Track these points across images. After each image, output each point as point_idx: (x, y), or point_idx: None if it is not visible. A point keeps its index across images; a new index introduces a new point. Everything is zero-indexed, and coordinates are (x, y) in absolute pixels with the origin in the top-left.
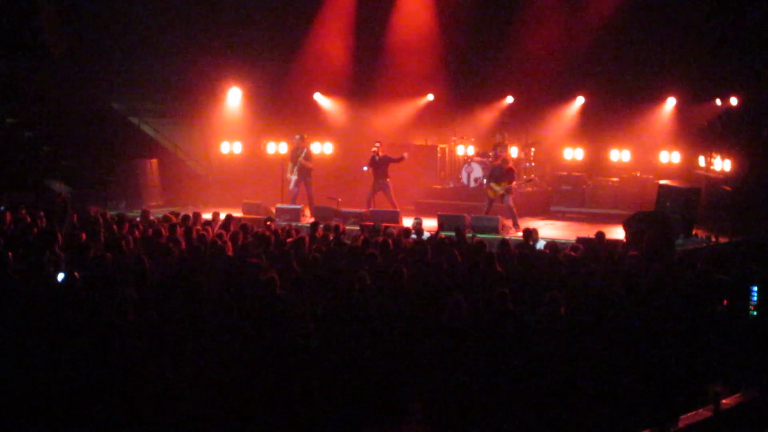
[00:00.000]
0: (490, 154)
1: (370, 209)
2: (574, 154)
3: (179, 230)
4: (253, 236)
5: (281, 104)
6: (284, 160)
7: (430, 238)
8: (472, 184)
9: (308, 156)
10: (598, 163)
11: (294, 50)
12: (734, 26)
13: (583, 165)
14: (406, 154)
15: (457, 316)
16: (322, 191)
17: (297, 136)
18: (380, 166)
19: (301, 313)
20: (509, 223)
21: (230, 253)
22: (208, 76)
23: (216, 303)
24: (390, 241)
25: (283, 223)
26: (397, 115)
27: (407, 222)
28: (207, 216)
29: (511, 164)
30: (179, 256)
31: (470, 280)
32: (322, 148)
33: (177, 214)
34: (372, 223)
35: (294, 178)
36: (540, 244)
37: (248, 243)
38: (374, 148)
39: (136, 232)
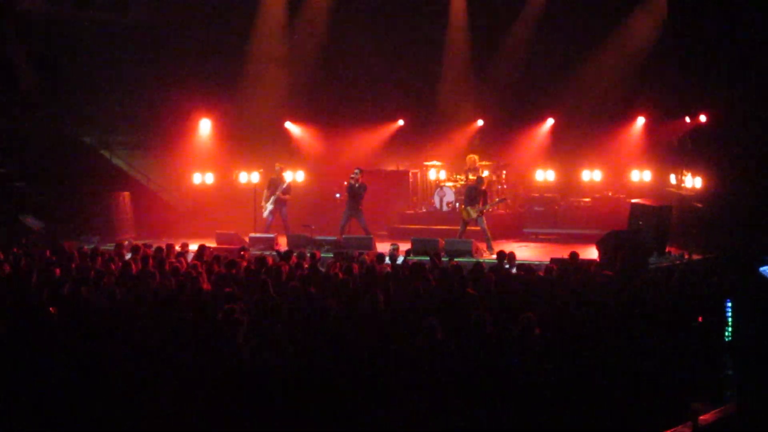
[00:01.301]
0: (462, 177)
1: (344, 236)
2: (545, 175)
3: (152, 263)
4: (227, 266)
5: (252, 134)
6: (257, 190)
7: (403, 263)
8: (445, 208)
9: (287, 189)
10: (569, 183)
11: (262, 79)
12: (699, 43)
13: (555, 186)
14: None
15: (430, 338)
16: (296, 219)
17: (277, 167)
18: (357, 193)
19: (278, 342)
20: (483, 246)
21: (205, 285)
22: (178, 107)
23: (191, 335)
24: (365, 268)
25: (257, 252)
26: (368, 141)
27: (382, 248)
28: (191, 247)
29: (484, 186)
30: (154, 288)
31: (445, 304)
32: (294, 176)
33: (149, 247)
34: (346, 250)
35: (270, 207)
36: (514, 268)
37: (223, 273)
38: (353, 175)
39: (112, 266)
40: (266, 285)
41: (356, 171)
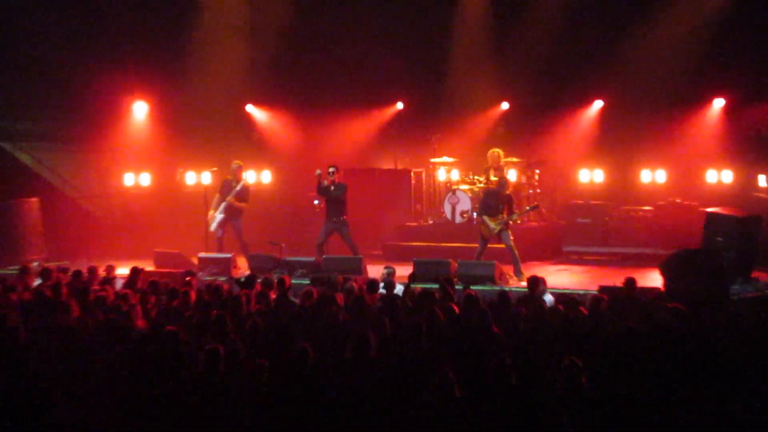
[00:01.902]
0: (482, 178)
1: (324, 257)
2: (592, 176)
3: (67, 292)
4: (167, 296)
5: (202, 121)
6: (208, 194)
7: (404, 293)
8: (459, 219)
9: (243, 195)
10: (624, 187)
11: (216, 51)
12: None
13: (604, 190)
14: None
15: (445, 396)
16: (260, 235)
17: (234, 164)
18: (335, 198)
19: (238, 398)
20: (510, 269)
21: (139, 321)
22: (103, 86)
23: (122, 388)
24: (351, 299)
25: (209, 278)
26: (357, 130)
27: (374, 272)
28: (121, 271)
29: (509, 191)
30: (70, 326)
31: (459, 347)
32: (258, 176)
33: (66, 270)
34: (327, 275)
35: (219, 217)
36: (551, 297)
37: (163, 306)
38: (318, 171)
39: (12, 297)
40: (221, 322)
41: (331, 168)
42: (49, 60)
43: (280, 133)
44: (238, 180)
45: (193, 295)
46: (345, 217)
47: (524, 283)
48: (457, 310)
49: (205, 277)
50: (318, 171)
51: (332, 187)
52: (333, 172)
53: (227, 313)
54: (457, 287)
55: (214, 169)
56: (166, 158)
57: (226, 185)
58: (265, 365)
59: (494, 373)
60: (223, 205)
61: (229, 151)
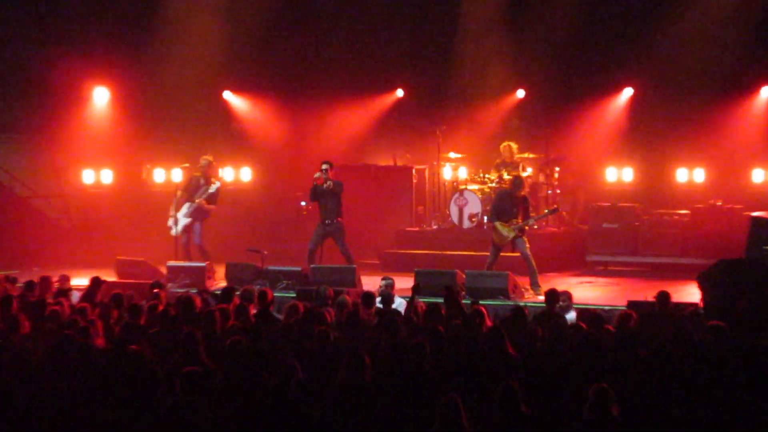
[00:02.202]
0: (494, 177)
1: (312, 266)
2: (620, 174)
3: (17, 306)
4: (130, 312)
5: (172, 110)
6: (181, 191)
7: (407, 307)
8: (467, 223)
9: (214, 197)
10: (657, 188)
11: (189, 30)
12: None
13: (634, 191)
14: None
15: (451, 426)
16: (239, 241)
17: (204, 160)
18: (329, 199)
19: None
20: (525, 282)
21: (99, 340)
22: (58, 69)
23: (78, 415)
24: (343, 315)
25: (180, 290)
26: (352, 121)
27: (370, 283)
28: (79, 282)
29: (525, 191)
30: (19, 344)
31: (468, 370)
32: (236, 174)
33: (14, 281)
34: (316, 287)
35: (184, 221)
36: (572, 314)
37: (126, 323)
38: (318, 174)
39: None
40: (193, 342)
41: (324, 165)
42: None
43: (262, 124)
44: (207, 178)
45: (161, 311)
46: (341, 219)
47: (542, 298)
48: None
49: (175, 288)
50: (317, 174)
51: (327, 184)
52: (326, 170)
53: (198, 331)
54: (464, 302)
55: (186, 165)
56: (130, 152)
57: (194, 183)
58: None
59: (503, 400)
60: (188, 206)
61: (203, 144)
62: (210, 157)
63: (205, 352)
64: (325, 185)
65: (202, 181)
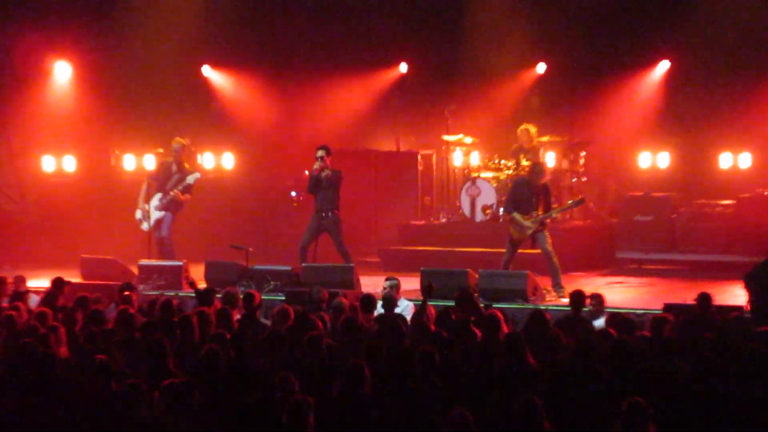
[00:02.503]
0: (510, 163)
1: (304, 264)
2: (654, 160)
3: None
4: (92, 318)
5: (145, 88)
6: (149, 180)
7: (417, 312)
8: (480, 216)
9: (191, 189)
10: (697, 175)
11: None
12: None
13: (671, 179)
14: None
15: None
16: (220, 236)
17: (176, 143)
18: (326, 190)
19: None
20: (547, 282)
21: (62, 348)
22: (13, 42)
23: None
24: (339, 320)
25: (153, 293)
26: (349, 100)
27: (370, 284)
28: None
29: (546, 179)
30: None
31: (482, 382)
32: (217, 160)
33: None
34: (308, 289)
35: (156, 214)
36: (601, 320)
37: (92, 330)
38: (317, 165)
39: None
40: (160, 351)
41: (320, 151)
42: None
43: (246, 104)
44: (179, 164)
45: (131, 315)
46: (337, 212)
47: (565, 300)
48: (479, 334)
49: (147, 291)
50: (317, 165)
51: (324, 173)
52: (323, 157)
53: (171, 339)
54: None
55: (160, 150)
56: (97, 136)
57: (165, 170)
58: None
59: (523, 416)
60: (159, 197)
61: (179, 127)
62: (183, 140)
63: (175, 363)
64: (322, 175)
65: (174, 168)
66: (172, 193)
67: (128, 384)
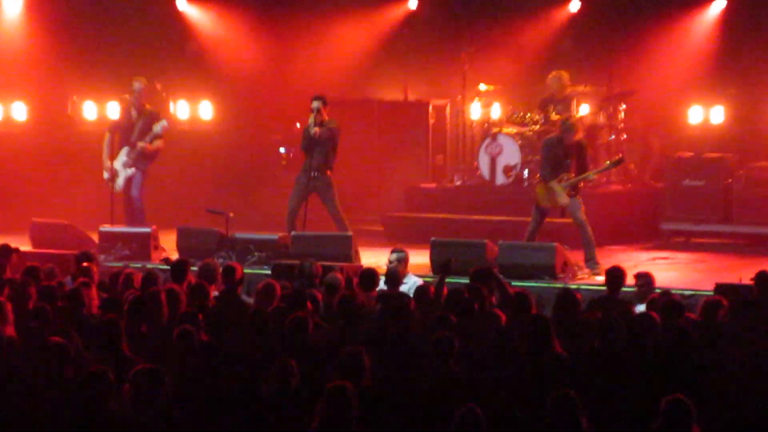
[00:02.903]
0: (538, 117)
1: (294, 233)
2: (707, 115)
3: None
4: (42, 294)
5: (108, 24)
6: (111, 132)
7: (420, 290)
8: (501, 179)
9: (158, 134)
10: (756, 133)
11: None
12: None
13: (726, 138)
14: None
15: None
16: (196, 199)
17: (136, 83)
18: (321, 146)
19: None
20: (579, 257)
21: (8, 328)
22: None
23: None
24: (334, 299)
25: (118, 264)
26: (348, 41)
27: (371, 257)
28: None
29: (580, 136)
30: None
31: (501, 371)
32: (193, 110)
33: None
34: (298, 262)
35: (126, 173)
36: (641, 306)
37: (40, 307)
38: (312, 119)
39: None
40: (113, 332)
41: (315, 102)
42: None
43: (229, 44)
44: (140, 108)
45: (92, 290)
46: (330, 172)
47: (600, 279)
48: (503, 318)
49: (110, 262)
50: (314, 102)
51: (318, 130)
52: (319, 109)
53: (138, 319)
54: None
55: (126, 96)
56: (52, 80)
57: (126, 119)
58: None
59: (558, 412)
60: (126, 152)
61: (149, 69)
62: (143, 80)
63: (135, 348)
64: (319, 132)
65: (134, 114)
66: (139, 144)
67: (90, 372)
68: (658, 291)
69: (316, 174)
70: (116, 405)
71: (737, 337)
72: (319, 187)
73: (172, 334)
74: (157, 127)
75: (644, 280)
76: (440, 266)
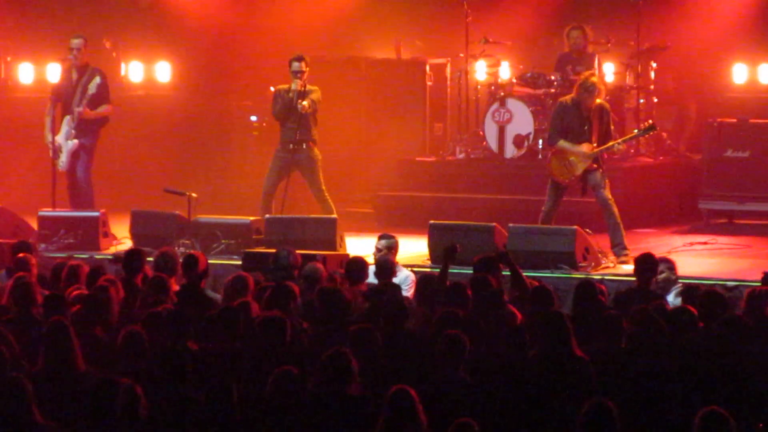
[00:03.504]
0: (554, 78)
1: (268, 216)
2: (753, 74)
3: None
4: None
5: None
6: (52, 101)
7: (422, 282)
8: (511, 150)
9: (101, 96)
10: None
11: None
12: None
13: None
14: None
15: None
16: (153, 177)
17: (74, 42)
18: (301, 114)
19: None
20: (604, 242)
21: None
22: None
23: None
24: (315, 293)
25: (60, 255)
26: None
27: (358, 245)
28: None
29: (603, 99)
30: None
31: (512, 374)
32: (148, 71)
33: None
34: (274, 250)
35: (69, 145)
36: (671, 295)
37: None
38: (294, 84)
39: None
40: (62, 336)
41: (296, 63)
42: None
43: None
44: (81, 69)
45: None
46: (314, 145)
47: (628, 267)
48: (519, 316)
49: (51, 252)
50: (295, 62)
51: (297, 94)
52: (298, 70)
53: (89, 318)
54: (505, 273)
55: (69, 57)
56: None
57: (67, 82)
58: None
59: (591, 425)
60: (68, 122)
61: (97, 25)
62: (80, 38)
63: (80, 352)
64: (308, 107)
65: (74, 76)
66: (76, 110)
67: (10, 377)
68: (683, 280)
69: (297, 147)
70: (42, 418)
71: None
72: (302, 161)
73: (126, 337)
74: (91, 87)
75: (666, 266)
76: (443, 253)
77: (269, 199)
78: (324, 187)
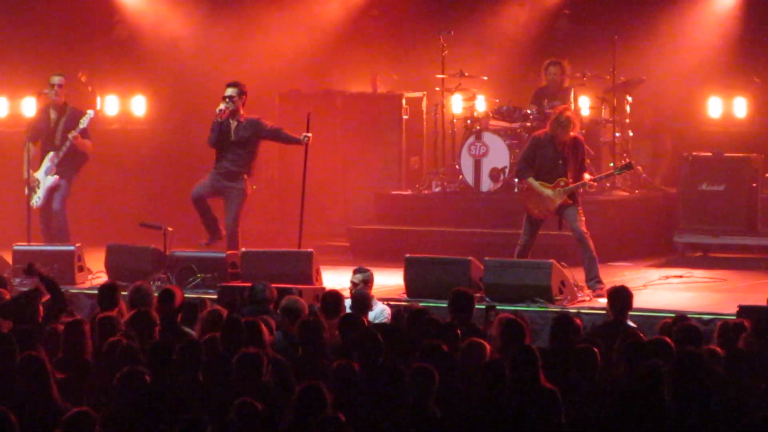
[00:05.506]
0: (530, 112)
1: (243, 250)
2: (728, 108)
3: None
4: None
5: (23, 3)
6: (30, 140)
7: (396, 315)
8: (488, 185)
9: (86, 131)
10: None
11: None
12: None
13: (751, 134)
14: (306, 136)
15: None
16: (129, 211)
17: (55, 79)
18: (237, 147)
19: None
20: (578, 276)
21: None
22: None
23: None
24: (298, 325)
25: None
26: (307, 24)
27: (334, 279)
28: None
29: (578, 133)
30: None
31: (484, 412)
32: (124, 105)
33: None
34: (250, 284)
35: (49, 181)
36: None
37: None
38: (222, 106)
39: None
40: (37, 372)
41: (229, 89)
42: None
43: (165, 30)
44: (59, 108)
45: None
46: (247, 177)
47: (604, 301)
48: (488, 348)
49: (25, 287)
50: (221, 106)
51: (233, 124)
52: (232, 97)
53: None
54: (479, 306)
55: (45, 91)
56: None
57: (43, 121)
58: None
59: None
60: (51, 158)
61: (72, 59)
62: (61, 75)
63: (59, 390)
64: (224, 109)
65: (53, 115)
66: (70, 135)
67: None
68: (660, 314)
69: (224, 172)
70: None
71: (762, 367)
72: (229, 191)
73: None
74: (84, 121)
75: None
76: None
77: (217, 230)
78: (239, 220)
